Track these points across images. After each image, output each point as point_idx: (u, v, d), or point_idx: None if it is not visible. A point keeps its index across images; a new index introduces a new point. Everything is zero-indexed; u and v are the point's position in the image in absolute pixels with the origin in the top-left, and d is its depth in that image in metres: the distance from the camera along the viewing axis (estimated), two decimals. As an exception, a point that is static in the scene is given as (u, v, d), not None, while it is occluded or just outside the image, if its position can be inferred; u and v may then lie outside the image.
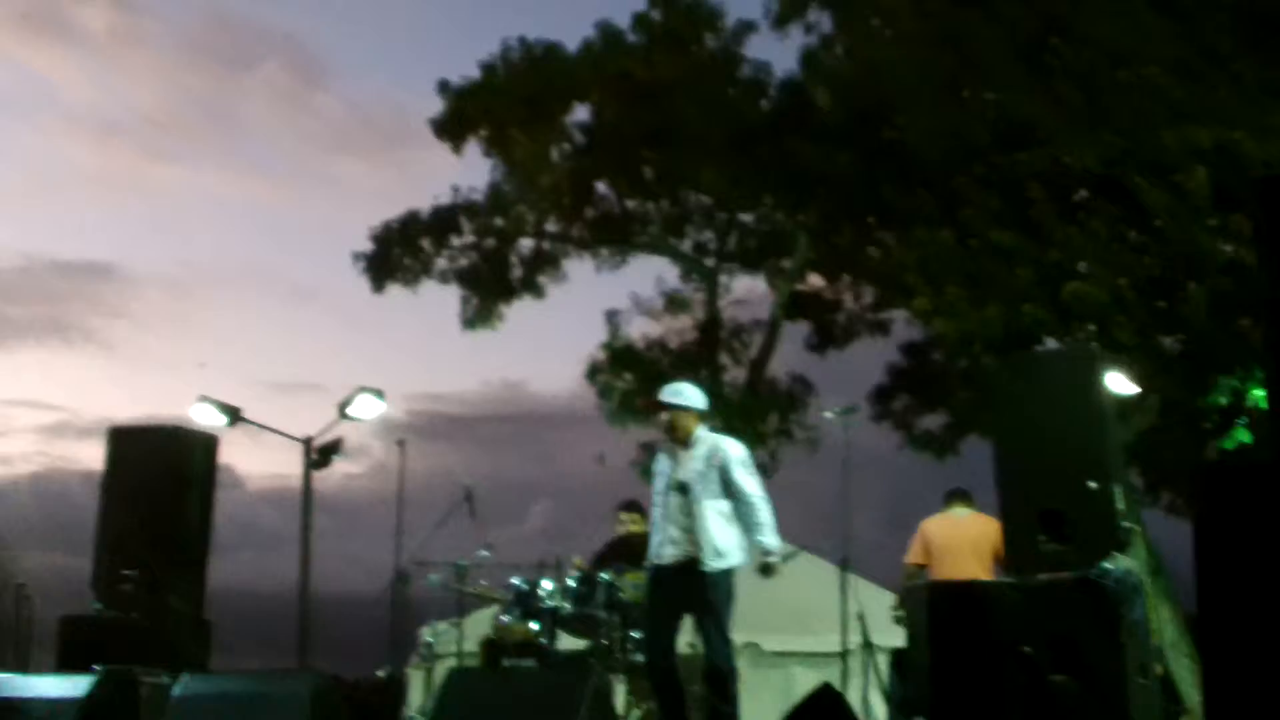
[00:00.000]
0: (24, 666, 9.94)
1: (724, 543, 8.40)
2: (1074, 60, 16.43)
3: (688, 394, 8.84)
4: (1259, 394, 17.16)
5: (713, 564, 8.34)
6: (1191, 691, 17.28)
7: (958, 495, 10.72)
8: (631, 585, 9.71)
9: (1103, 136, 16.18)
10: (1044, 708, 7.43)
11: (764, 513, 8.42)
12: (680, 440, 8.70)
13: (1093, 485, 8.46)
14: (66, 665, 9.72)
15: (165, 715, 8.60)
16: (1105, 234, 16.00)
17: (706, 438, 8.70)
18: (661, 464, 8.79)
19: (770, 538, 8.37)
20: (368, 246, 24.26)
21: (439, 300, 24.89)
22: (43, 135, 48.92)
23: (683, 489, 8.55)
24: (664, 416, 8.75)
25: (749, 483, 8.51)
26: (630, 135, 22.28)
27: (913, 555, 10.35)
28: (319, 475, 18.76)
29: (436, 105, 23.88)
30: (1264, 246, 6.59)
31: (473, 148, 23.81)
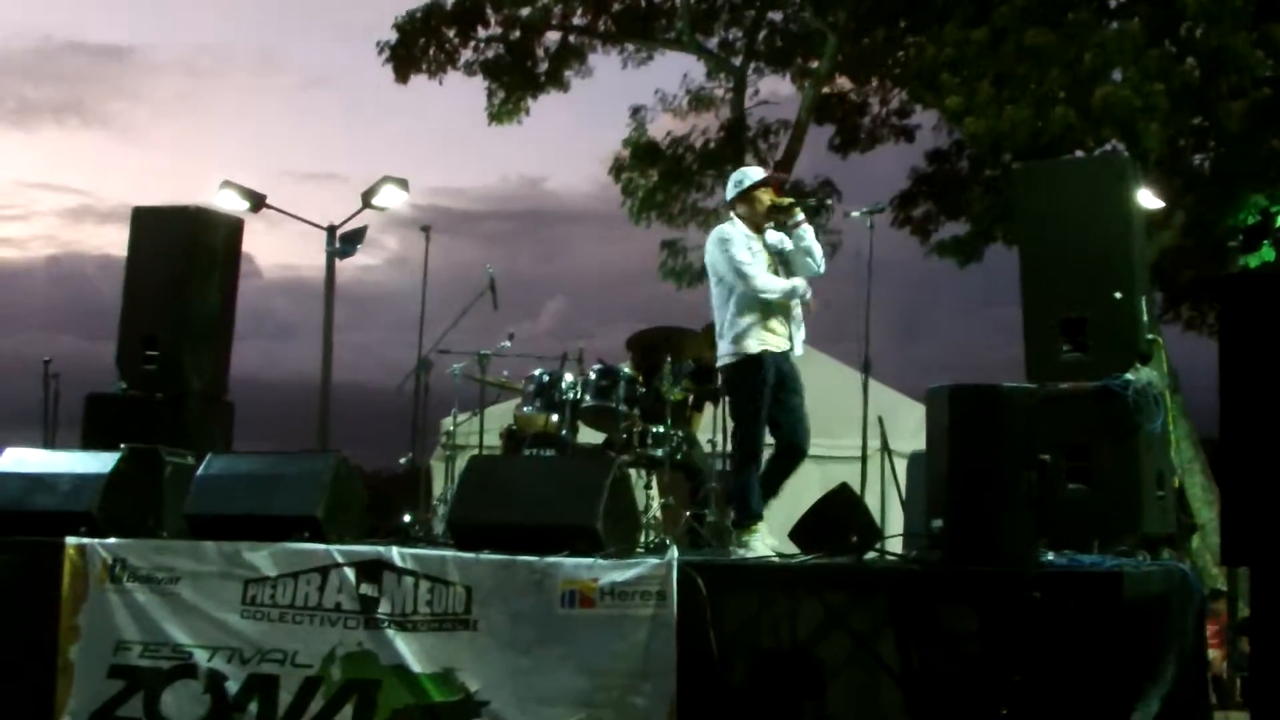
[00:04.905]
0: (50, 443, 10.04)
1: None
2: None
3: None
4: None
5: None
6: (1203, 509, 17.54)
7: None
8: (677, 389, 9.75)
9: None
10: (1059, 515, 7.49)
11: None
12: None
13: (1117, 295, 8.45)
14: (91, 443, 9.84)
15: (189, 493, 8.73)
16: (1142, 38, 15.70)
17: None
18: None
19: None
20: (391, 35, 23.87)
21: (448, 92, 24.57)
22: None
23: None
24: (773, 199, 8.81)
25: None
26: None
27: None
28: (336, 265, 18.78)
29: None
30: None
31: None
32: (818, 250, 8.68)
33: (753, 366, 8.45)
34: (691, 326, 11.07)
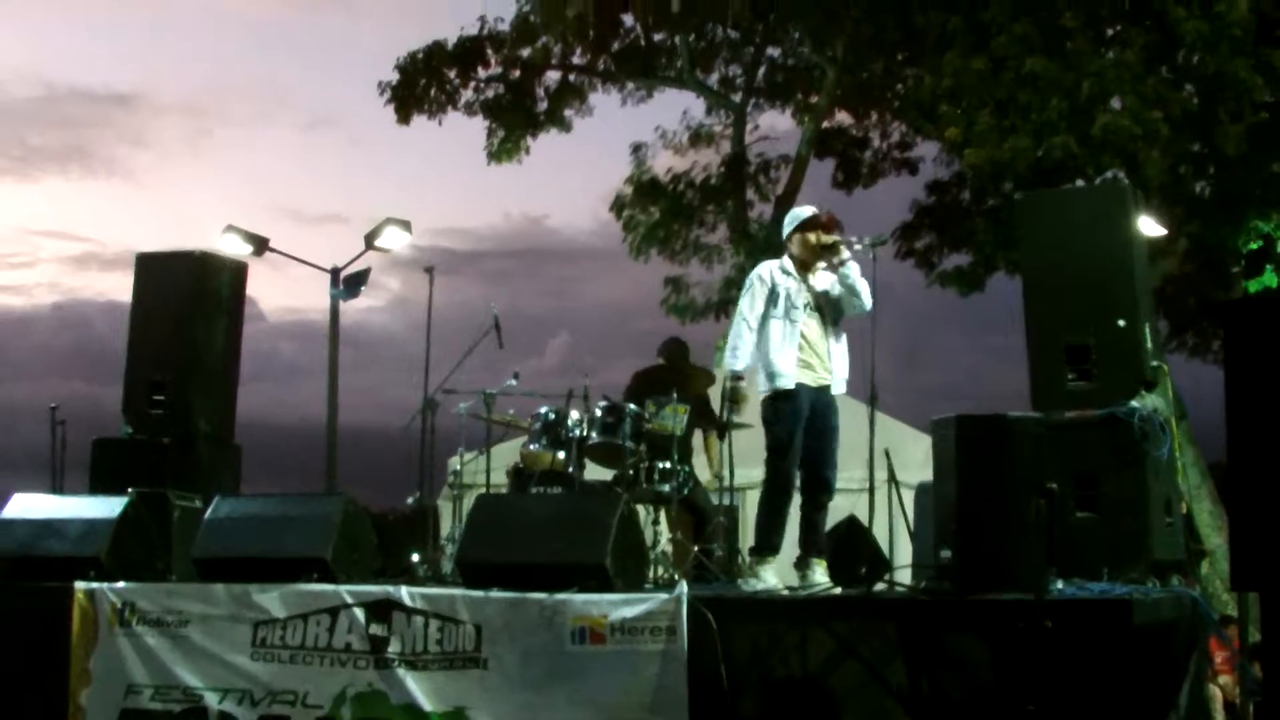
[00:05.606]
0: (58, 489, 10.04)
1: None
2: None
3: None
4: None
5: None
6: (1211, 534, 17.45)
7: None
8: (671, 416, 9.73)
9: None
10: (1068, 543, 7.48)
11: None
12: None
13: (1121, 323, 8.47)
14: (99, 488, 9.85)
15: (197, 536, 8.73)
16: (1139, 66, 15.71)
17: None
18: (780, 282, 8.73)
19: None
20: (393, 76, 23.93)
21: (448, 132, 24.63)
22: (60, -40, 48.25)
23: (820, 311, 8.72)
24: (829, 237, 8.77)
25: None
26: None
27: None
28: (340, 307, 18.82)
29: (459, -70, 23.45)
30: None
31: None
32: (862, 287, 8.65)
33: (787, 400, 8.47)
34: (702, 363, 11.09)
